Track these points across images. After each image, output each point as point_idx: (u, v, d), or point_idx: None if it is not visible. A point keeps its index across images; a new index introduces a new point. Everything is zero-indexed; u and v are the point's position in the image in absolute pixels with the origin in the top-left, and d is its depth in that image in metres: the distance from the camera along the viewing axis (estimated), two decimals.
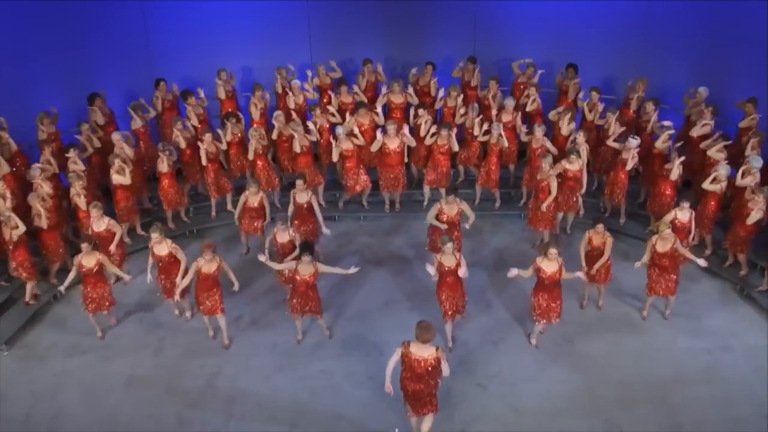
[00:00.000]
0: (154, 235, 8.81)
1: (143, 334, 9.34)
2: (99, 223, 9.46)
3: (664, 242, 8.72)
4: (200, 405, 8.21)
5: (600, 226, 8.94)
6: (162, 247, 8.90)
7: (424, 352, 6.89)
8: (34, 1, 11.08)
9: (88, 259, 8.72)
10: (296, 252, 8.87)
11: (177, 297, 9.02)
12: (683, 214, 9.26)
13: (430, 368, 6.92)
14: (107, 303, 9.09)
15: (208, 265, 8.58)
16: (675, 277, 8.96)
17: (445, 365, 6.97)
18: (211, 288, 8.70)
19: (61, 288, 8.96)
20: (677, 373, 8.46)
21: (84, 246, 8.71)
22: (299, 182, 9.81)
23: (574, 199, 10.58)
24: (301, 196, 9.87)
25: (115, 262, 9.54)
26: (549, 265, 8.31)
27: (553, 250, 8.23)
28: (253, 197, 10.12)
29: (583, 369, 8.57)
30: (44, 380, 8.63)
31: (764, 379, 8.29)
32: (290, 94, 12.04)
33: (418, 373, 6.95)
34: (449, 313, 8.67)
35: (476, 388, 8.33)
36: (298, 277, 8.53)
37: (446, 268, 8.41)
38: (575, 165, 10.27)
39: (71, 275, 8.91)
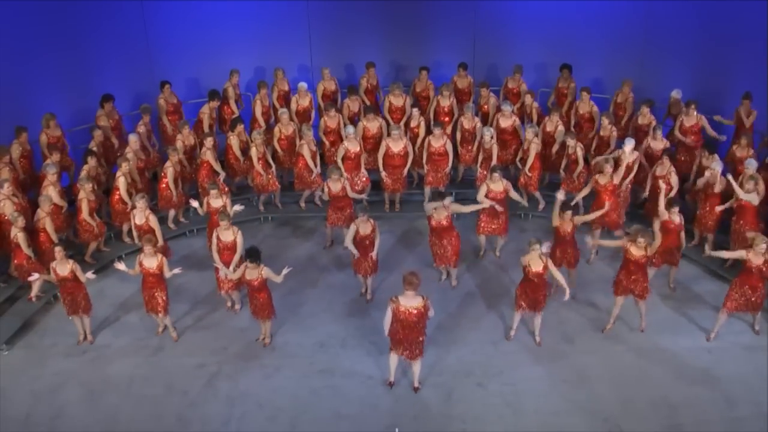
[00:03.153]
0: (223, 223, 8.92)
1: (143, 334, 9.33)
2: (140, 216, 9.56)
3: (757, 256, 8.38)
4: (200, 405, 8.21)
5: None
6: (228, 233, 8.99)
7: (413, 303, 7.58)
8: (34, 1, 11.09)
9: (62, 267, 8.67)
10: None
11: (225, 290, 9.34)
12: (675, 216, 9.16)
13: (420, 317, 7.65)
14: (83, 306, 8.99)
15: (148, 260, 8.64)
16: (762, 294, 8.62)
17: (431, 311, 7.71)
18: (155, 286, 8.78)
19: (33, 294, 9.40)
20: (677, 373, 8.46)
21: (57, 251, 8.62)
22: (214, 191, 9.74)
23: (502, 219, 10.18)
24: (216, 201, 9.78)
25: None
26: (636, 251, 8.52)
27: (641, 239, 8.41)
28: (335, 184, 10.11)
29: (583, 369, 8.57)
30: (44, 380, 8.63)
31: (764, 379, 8.29)
32: (296, 95, 12.03)
33: (410, 323, 7.66)
34: (522, 306, 8.76)
35: (476, 388, 8.34)
36: (245, 282, 8.62)
37: (532, 271, 8.43)
38: (498, 185, 9.85)
39: (40, 280, 9.09)
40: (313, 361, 8.81)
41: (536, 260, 8.36)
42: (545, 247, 8.39)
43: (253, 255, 8.42)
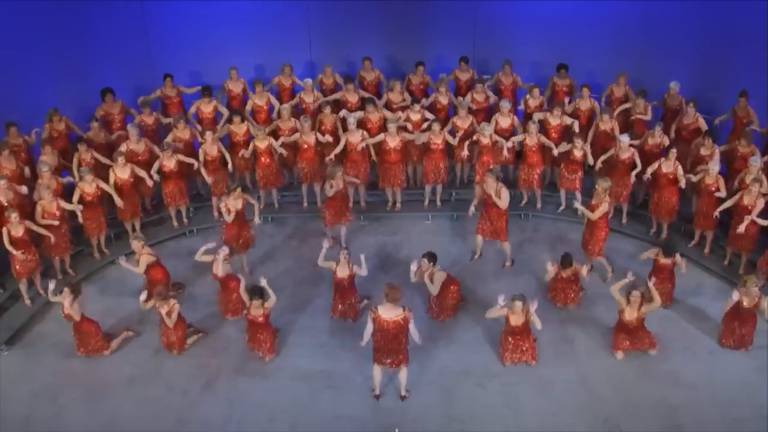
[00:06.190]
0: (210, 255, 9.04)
1: (143, 334, 9.33)
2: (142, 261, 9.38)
3: (749, 298, 8.34)
4: (200, 405, 8.21)
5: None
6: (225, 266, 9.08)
7: (392, 314, 7.49)
8: (34, 1, 11.09)
9: (68, 307, 8.63)
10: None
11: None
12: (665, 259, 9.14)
13: (399, 328, 7.54)
14: (92, 348, 8.90)
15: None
16: (751, 330, 8.59)
17: (413, 327, 7.57)
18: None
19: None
20: (677, 373, 8.46)
21: (65, 294, 8.56)
22: (236, 192, 9.75)
23: (501, 224, 9.98)
24: (237, 203, 9.80)
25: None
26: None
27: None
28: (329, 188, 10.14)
29: (583, 369, 8.57)
30: (44, 380, 8.63)
31: (764, 379, 8.29)
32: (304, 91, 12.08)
33: (391, 333, 7.58)
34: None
35: (476, 388, 8.34)
36: (249, 317, 8.54)
37: (511, 323, 8.33)
38: (492, 188, 9.76)
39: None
40: (312, 361, 8.81)
41: (517, 314, 8.26)
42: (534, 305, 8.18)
43: (256, 293, 8.38)
